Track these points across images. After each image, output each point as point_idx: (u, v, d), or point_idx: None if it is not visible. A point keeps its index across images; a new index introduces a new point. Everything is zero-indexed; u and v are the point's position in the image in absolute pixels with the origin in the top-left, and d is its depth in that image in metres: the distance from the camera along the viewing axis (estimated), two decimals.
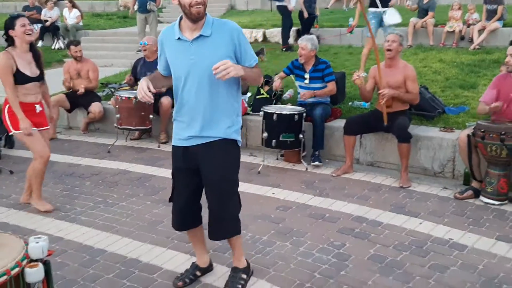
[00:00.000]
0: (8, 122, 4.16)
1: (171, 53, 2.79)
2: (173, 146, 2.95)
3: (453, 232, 3.80)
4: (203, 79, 2.72)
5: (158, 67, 3.00)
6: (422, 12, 9.75)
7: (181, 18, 2.75)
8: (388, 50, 4.78)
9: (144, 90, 2.70)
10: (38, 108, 4.25)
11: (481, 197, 4.36)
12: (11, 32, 4.05)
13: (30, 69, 4.13)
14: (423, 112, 5.47)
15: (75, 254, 3.56)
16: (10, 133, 4.25)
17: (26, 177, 4.40)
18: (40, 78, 4.23)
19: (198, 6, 2.58)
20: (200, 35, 2.69)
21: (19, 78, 4.07)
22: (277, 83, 5.70)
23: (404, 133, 4.73)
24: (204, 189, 2.96)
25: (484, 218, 4.04)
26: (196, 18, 2.63)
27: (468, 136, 4.37)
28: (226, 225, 2.96)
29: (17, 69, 4.05)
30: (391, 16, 7.95)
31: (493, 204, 4.27)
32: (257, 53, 6.50)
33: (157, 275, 3.26)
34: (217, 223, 2.92)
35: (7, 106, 4.15)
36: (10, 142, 6.16)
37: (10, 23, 4.05)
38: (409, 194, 4.57)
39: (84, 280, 3.21)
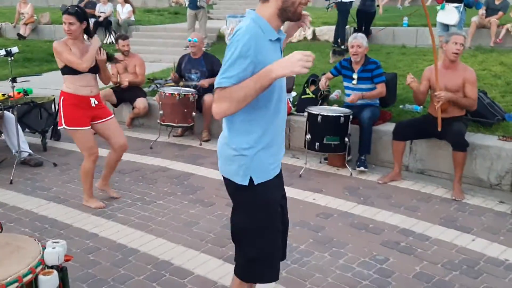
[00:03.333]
0: (62, 115, 4.07)
1: (267, 58, 2.09)
2: (265, 183, 2.22)
3: (509, 252, 3.48)
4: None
5: (235, 81, 2.01)
6: (492, 12, 9.15)
7: (256, 16, 2.15)
8: (456, 53, 4.43)
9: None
10: (93, 101, 4.11)
11: None
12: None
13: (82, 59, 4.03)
14: (481, 119, 5.08)
15: (108, 252, 3.51)
16: (61, 127, 4.11)
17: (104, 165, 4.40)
18: (94, 71, 4.12)
19: (303, 6, 2.24)
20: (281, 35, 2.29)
21: (70, 68, 3.99)
22: (323, 81, 5.47)
23: (460, 141, 4.40)
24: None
25: None
26: (297, 19, 2.26)
27: None
28: None
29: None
30: (445, 14, 7.52)
31: None
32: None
33: (188, 280, 3.14)
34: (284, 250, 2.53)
35: (62, 98, 4.07)
36: (56, 135, 6.25)
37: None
38: (461, 207, 4.24)
39: (114, 281, 3.14)
